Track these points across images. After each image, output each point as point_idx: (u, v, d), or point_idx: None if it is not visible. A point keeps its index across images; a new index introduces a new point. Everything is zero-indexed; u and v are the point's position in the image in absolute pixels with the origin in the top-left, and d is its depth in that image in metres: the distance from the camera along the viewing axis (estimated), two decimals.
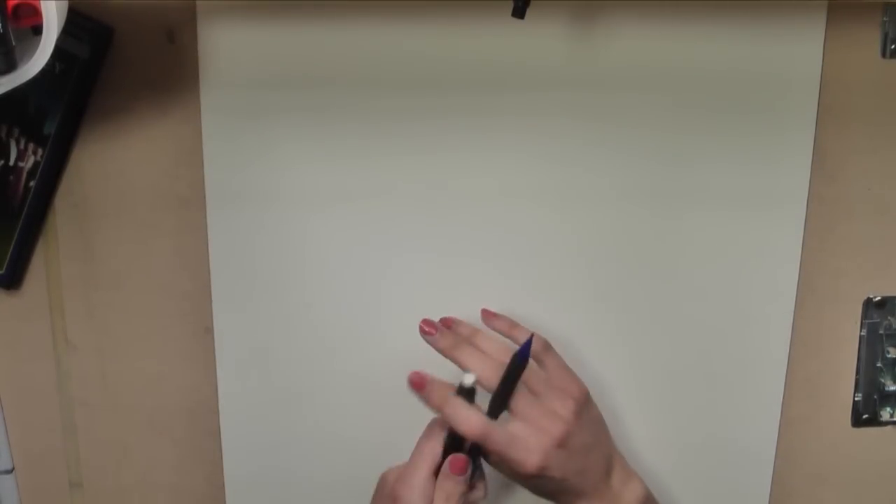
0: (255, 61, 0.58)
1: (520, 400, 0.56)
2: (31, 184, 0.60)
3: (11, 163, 0.60)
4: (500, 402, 0.56)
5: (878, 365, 0.66)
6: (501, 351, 0.58)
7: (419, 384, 0.56)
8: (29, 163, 0.60)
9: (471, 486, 0.57)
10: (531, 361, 0.57)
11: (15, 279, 0.63)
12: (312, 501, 0.65)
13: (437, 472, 0.55)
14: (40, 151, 0.60)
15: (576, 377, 0.59)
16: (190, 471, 0.67)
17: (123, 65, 0.59)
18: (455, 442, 0.56)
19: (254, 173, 0.61)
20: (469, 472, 0.55)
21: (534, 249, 0.62)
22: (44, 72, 0.46)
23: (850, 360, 0.66)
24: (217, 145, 0.60)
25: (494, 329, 0.61)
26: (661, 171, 0.61)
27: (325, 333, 0.64)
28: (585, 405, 0.58)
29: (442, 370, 0.57)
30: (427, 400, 0.56)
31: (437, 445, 0.56)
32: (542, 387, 0.57)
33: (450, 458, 0.55)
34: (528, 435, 0.55)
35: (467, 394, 0.55)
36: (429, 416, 0.65)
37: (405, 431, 0.66)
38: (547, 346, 0.60)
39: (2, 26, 0.44)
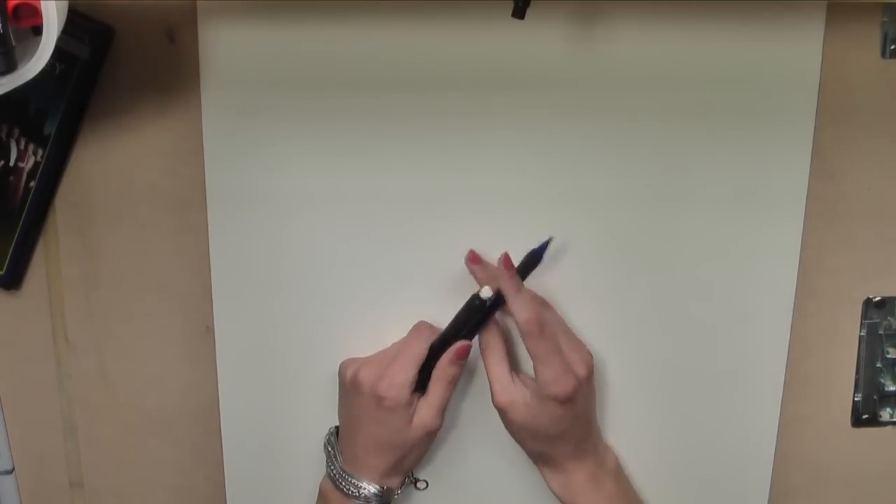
0: (256, 61, 0.58)
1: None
2: (32, 184, 0.60)
3: (11, 163, 0.60)
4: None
5: (878, 365, 0.66)
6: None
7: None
8: (29, 163, 0.60)
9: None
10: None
11: (15, 279, 0.63)
12: (313, 501, 0.65)
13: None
14: (40, 152, 0.60)
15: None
16: (190, 471, 0.67)
17: (123, 65, 0.59)
18: (443, 345, 0.60)
19: (254, 173, 0.61)
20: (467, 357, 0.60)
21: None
22: (44, 72, 0.46)
23: (849, 360, 0.66)
24: (217, 145, 0.60)
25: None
26: (660, 170, 0.61)
27: (326, 333, 0.64)
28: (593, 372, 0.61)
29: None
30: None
31: (424, 348, 0.60)
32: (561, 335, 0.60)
33: (458, 344, 0.59)
34: (563, 361, 0.58)
35: (480, 304, 0.60)
36: None
37: None
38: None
39: (2, 26, 0.44)
